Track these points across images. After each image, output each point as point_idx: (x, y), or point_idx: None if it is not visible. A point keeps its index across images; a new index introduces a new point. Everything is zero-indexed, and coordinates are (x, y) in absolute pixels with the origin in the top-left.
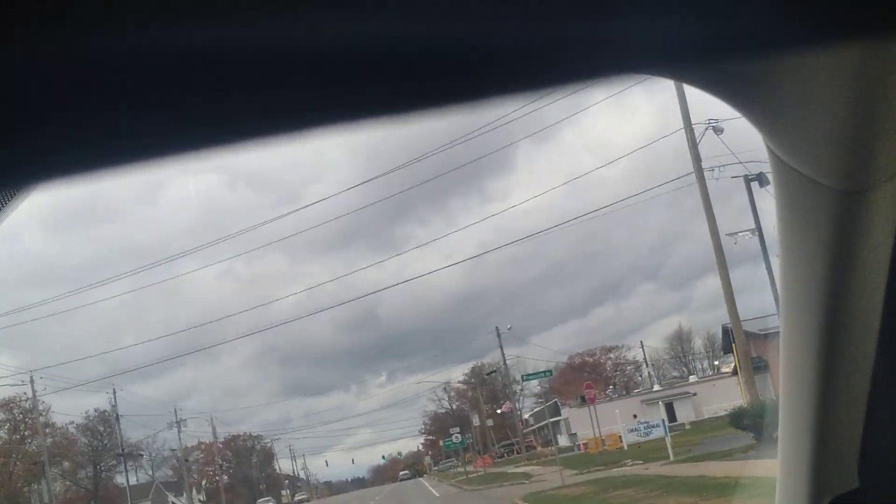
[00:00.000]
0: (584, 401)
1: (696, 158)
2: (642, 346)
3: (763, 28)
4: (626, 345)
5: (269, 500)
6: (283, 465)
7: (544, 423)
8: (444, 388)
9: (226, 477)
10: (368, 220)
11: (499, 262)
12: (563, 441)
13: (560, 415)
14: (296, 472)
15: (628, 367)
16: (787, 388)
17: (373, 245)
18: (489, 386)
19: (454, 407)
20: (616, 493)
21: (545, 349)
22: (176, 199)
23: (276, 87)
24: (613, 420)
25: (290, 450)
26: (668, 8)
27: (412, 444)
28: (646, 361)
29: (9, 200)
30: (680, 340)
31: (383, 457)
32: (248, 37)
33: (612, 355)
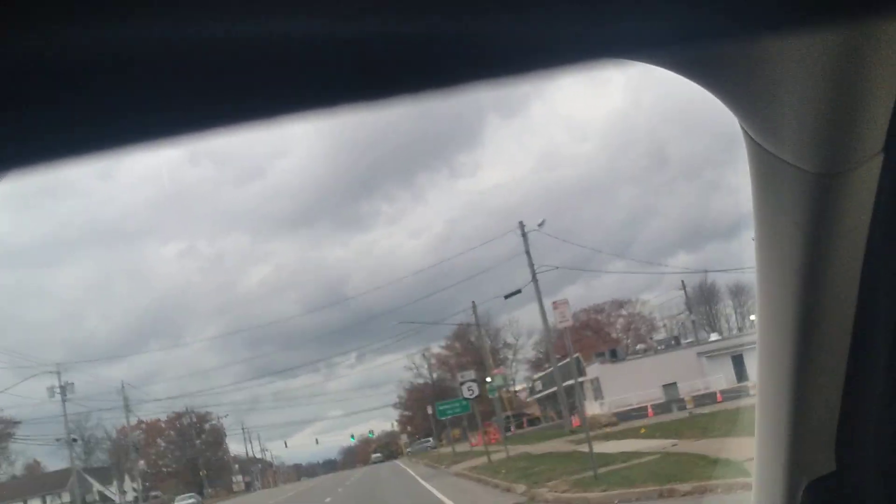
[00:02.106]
0: (614, 355)
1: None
2: (683, 286)
3: (739, 10)
4: (640, 299)
5: (190, 498)
6: (238, 447)
7: (555, 388)
8: (423, 355)
9: (166, 461)
10: (333, 197)
11: (469, 236)
12: (592, 409)
13: (584, 374)
14: (251, 454)
15: (643, 324)
16: (763, 371)
17: (338, 222)
18: (471, 350)
19: (434, 376)
20: None
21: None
22: (135, 174)
23: (251, 73)
24: (658, 378)
25: (244, 428)
26: None
27: (385, 424)
28: (688, 307)
29: None
30: (703, 294)
31: (352, 436)
32: (220, 23)
33: (623, 311)
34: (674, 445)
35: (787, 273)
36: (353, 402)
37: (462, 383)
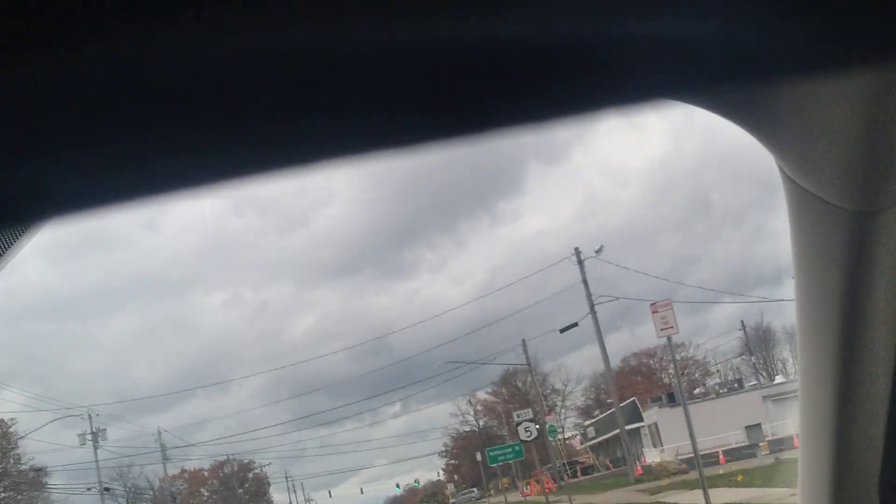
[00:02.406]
0: (672, 399)
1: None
2: (743, 327)
3: (777, 53)
4: (692, 342)
5: None
6: (282, 497)
7: (609, 435)
8: (469, 401)
9: None
10: (377, 245)
11: (511, 283)
12: (652, 456)
13: (641, 420)
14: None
15: (696, 369)
16: (805, 411)
17: (381, 270)
18: (518, 396)
19: (481, 423)
20: None
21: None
22: (180, 224)
23: (290, 119)
24: (723, 423)
25: (287, 476)
26: (682, 33)
27: (430, 473)
28: (748, 348)
29: (18, 237)
30: (759, 337)
31: (397, 485)
32: (261, 70)
33: (677, 355)
34: (793, 496)
35: (826, 311)
36: (398, 450)
37: (518, 423)
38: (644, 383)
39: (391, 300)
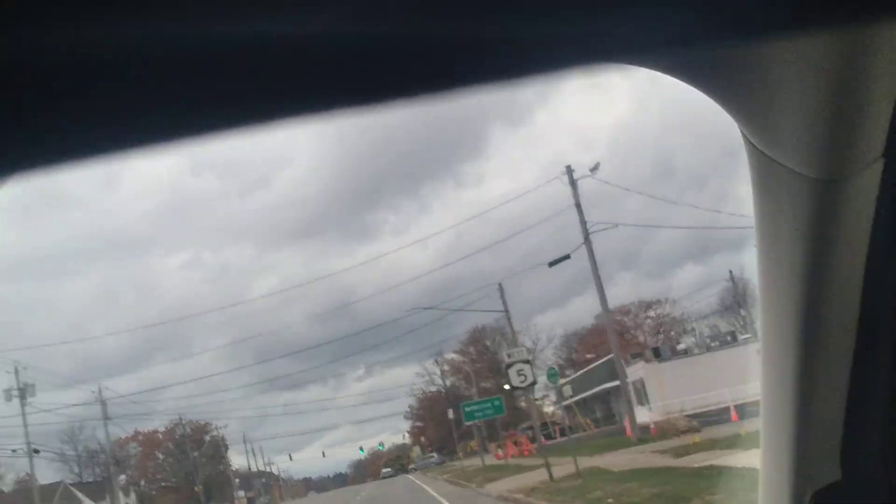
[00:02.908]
0: (658, 354)
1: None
2: (732, 278)
3: (740, 16)
4: (669, 298)
5: None
6: (241, 460)
7: (591, 392)
8: (436, 360)
9: (165, 475)
10: (339, 207)
11: (476, 245)
12: (640, 415)
13: (625, 375)
14: (255, 468)
15: (674, 326)
16: (767, 379)
17: (344, 233)
18: (487, 355)
19: (447, 384)
20: None
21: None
22: (138, 185)
23: (251, 74)
24: (722, 379)
25: (245, 440)
26: None
27: (396, 437)
28: (737, 301)
29: None
30: (737, 297)
31: (361, 449)
32: (220, 24)
33: (652, 312)
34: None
35: (788, 280)
36: (363, 412)
37: (509, 365)
38: (620, 341)
39: (354, 263)
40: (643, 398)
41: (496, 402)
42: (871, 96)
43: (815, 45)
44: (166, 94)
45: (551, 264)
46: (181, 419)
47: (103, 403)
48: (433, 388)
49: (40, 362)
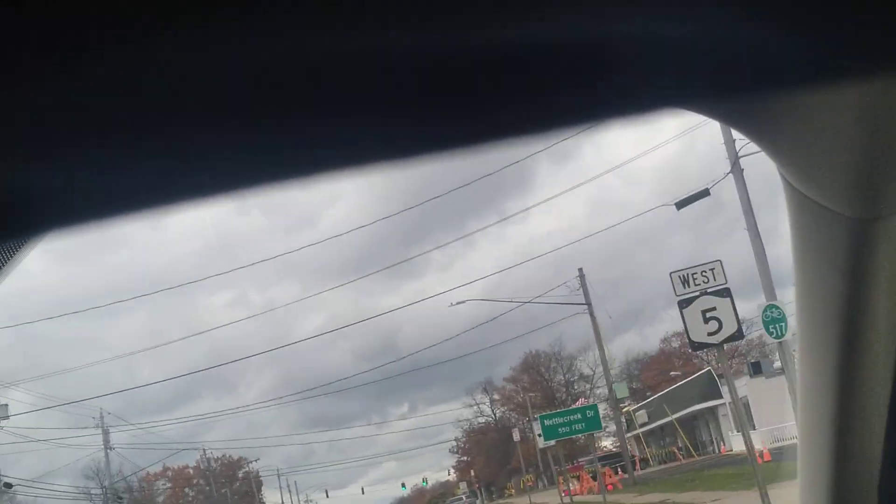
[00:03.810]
0: (758, 369)
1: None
2: None
3: (780, 62)
4: (745, 319)
5: None
6: (276, 498)
7: (671, 417)
8: (485, 389)
9: None
10: (384, 245)
11: (520, 285)
12: (736, 443)
13: (719, 396)
14: None
15: (753, 349)
16: (805, 414)
17: (389, 270)
18: (541, 384)
19: (497, 415)
20: None
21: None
22: (184, 225)
23: (305, 130)
24: None
25: (279, 475)
26: (690, 43)
27: (440, 474)
28: None
29: (19, 248)
30: None
31: (403, 485)
32: (274, 81)
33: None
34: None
35: (826, 316)
36: (406, 452)
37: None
38: (686, 365)
39: (399, 300)
40: (745, 420)
41: (589, 412)
42: None
43: (852, 88)
44: (209, 148)
45: (680, 205)
46: (203, 450)
47: (104, 431)
48: (481, 420)
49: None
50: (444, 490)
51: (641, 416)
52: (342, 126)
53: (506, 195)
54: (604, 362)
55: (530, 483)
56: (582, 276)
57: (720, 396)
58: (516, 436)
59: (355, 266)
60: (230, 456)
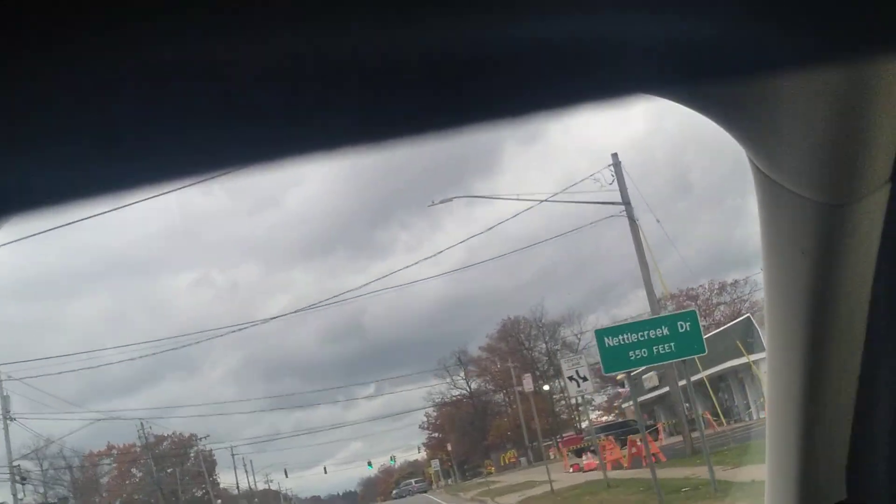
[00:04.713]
0: None
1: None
2: None
3: (750, 49)
4: (749, 279)
5: None
6: (232, 478)
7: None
8: (459, 359)
9: (143, 494)
10: (350, 225)
11: (489, 265)
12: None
13: (753, 349)
14: (251, 486)
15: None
16: (772, 399)
17: (354, 251)
18: (521, 352)
19: (473, 386)
20: None
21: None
22: (146, 204)
23: (275, 115)
24: None
25: (233, 454)
26: (659, 30)
27: (408, 454)
28: None
29: None
30: None
31: (370, 464)
32: (245, 67)
33: (726, 297)
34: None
35: (795, 302)
36: (374, 432)
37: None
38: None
39: (366, 280)
40: None
41: (684, 324)
42: (877, 122)
43: (820, 75)
44: (174, 133)
45: None
46: (171, 434)
47: (4, 398)
48: (455, 394)
49: (46, 383)
50: (414, 469)
51: (651, 378)
52: (316, 110)
53: (472, 175)
54: (648, 288)
55: (512, 459)
56: (617, 163)
57: (763, 349)
58: (528, 384)
59: (321, 246)
60: (180, 433)
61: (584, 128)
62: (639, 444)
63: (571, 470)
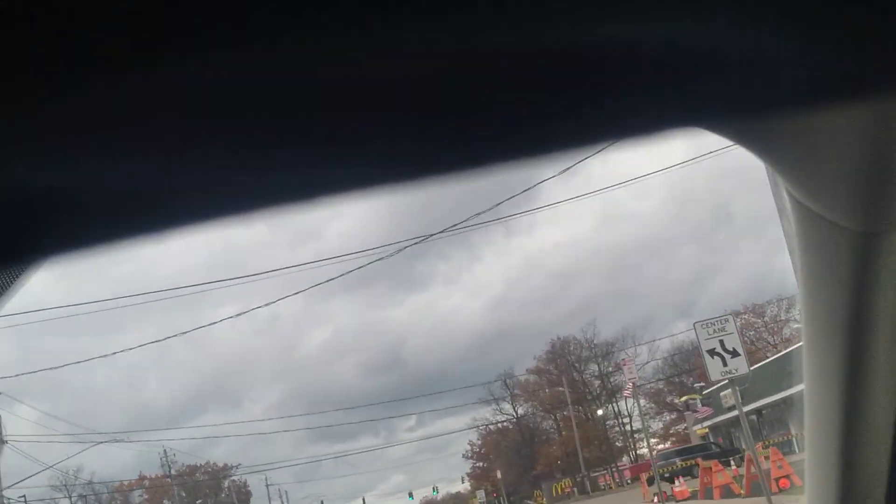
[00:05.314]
0: None
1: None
2: None
3: (790, 81)
4: (783, 298)
5: None
6: None
7: (773, 398)
8: (504, 383)
9: None
10: (389, 258)
11: (528, 297)
12: None
13: None
14: None
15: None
16: (812, 427)
17: (394, 284)
18: (571, 375)
19: (519, 412)
20: None
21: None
22: (189, 239)
23: (299, 159)
24: None
25: (267, 484)
26: (697, 65)
27: (453, 486)
28: None
29: (18, 275)
30: None
31: (410, 495)
32: (283, 108)
33: (766, 318)
34: None
35: (832, 330)
36: (415, 463)
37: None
38: (750, 349)
39: (405, 313)
40: None
41: None
42: None
43: (858, 105)
44: (208, 175)
45: None
46: (205, 464)
47: None
48: (501, 419)
49: (93, 418)
50: (457, 500)
51: (727, 397)
52: (349, 150)
53: (510, 206)
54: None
55: (567, 489)
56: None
57: None
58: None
59: (361, 279)
60: (214, 463)
61: (621, 158)
62: (753, 465)
63: (656, 500)
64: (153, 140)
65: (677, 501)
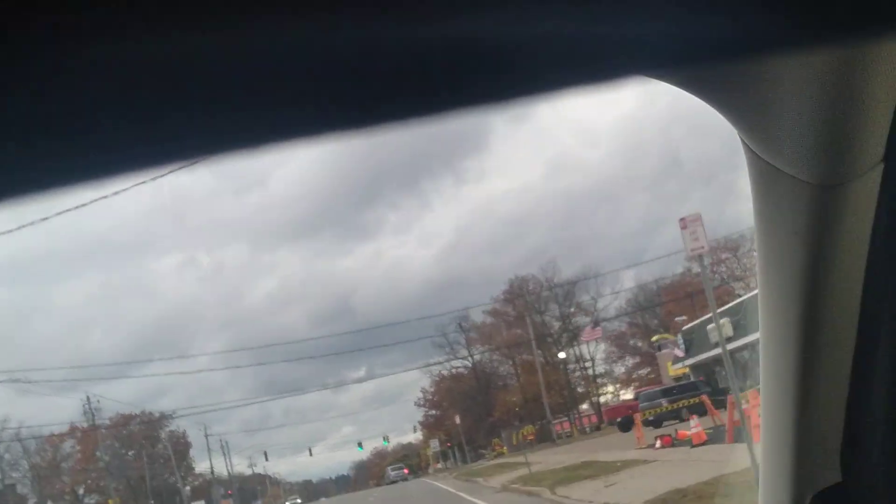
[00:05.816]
0: None
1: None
2: None
3: (743, 31)
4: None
5: None
6: (208, 462)
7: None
8: (460, 325)
9: (109, 480)
10: (337, 206)
11: (479, 244)
12: None
13: None
14: (229, 470)
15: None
16: (766, 382)
17: (343, 232)
18: (531, 316)
19: (474, 357)
20: None
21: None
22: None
23: (266, 96)
24: None
25: (206, 434)
26: (651, 11)
27: (403, 437)
28: None
29: None
30: None
31: (360, 445)
32: (236, 44)
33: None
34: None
35: (788, 283)
36: (365, 413)
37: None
38: (716, 291)
39: (354, 262)
40: None
41: None
42: (870, 102)
43: (813, 56)
44: (164, 117)
45: None
46: (140, 413)
47: None
48: (458, 365)
49: (34, 367)
50: (408, 451)
51: (713, 332)
52: (303, 96)
53: (462, 154)
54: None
55: (529, 437)
56: None
57: None
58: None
59: (308, 228)
60: (150, 412)
61: (572, 109)
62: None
63: (659, 443)
64: (99, 83)
65: (693, 446)
